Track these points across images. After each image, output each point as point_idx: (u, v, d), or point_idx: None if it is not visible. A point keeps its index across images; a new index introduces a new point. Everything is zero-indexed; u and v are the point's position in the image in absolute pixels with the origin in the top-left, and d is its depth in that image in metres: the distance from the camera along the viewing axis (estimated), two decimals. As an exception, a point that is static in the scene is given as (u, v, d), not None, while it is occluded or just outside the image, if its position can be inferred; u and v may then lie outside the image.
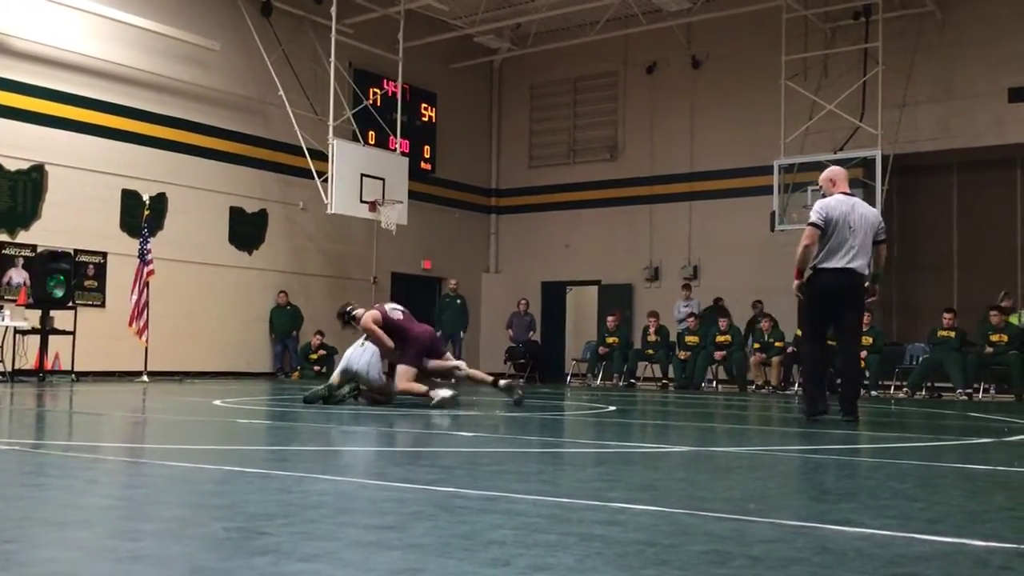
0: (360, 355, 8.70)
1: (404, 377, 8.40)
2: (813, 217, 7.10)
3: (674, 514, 2.82)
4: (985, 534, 2.60)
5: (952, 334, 14.07)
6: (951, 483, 3.86)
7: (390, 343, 8.51)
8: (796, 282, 7.28)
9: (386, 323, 8.60)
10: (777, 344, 15.45)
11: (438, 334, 9.61)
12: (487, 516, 2.73)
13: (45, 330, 12.76)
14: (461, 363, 8.93)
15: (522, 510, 2.85)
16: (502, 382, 8.72)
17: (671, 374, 16.40)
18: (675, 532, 2.55)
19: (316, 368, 16.66)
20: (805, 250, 7.09)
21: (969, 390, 13.68)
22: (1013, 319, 14.42)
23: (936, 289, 16.58)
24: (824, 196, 7.34)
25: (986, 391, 14.14)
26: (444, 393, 8.14)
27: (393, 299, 19.36)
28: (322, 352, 16.80)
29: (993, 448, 5.63)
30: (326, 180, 15.71)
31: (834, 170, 7.58)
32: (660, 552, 2.26)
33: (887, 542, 2.47)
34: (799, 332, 15.24)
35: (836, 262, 7.05)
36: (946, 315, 14.25)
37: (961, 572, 2.12)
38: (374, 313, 8.66)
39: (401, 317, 8.72)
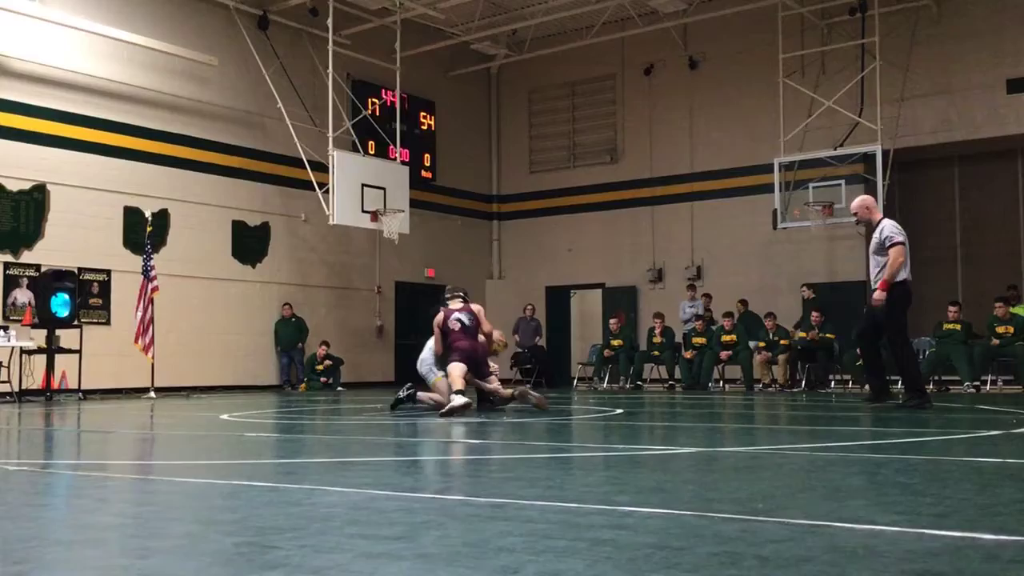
0: (423, 352, 9.39)
1: (454, 372, 8.69)
2: (900, 237, 8.35)
3: (683, 516, 2.82)
4: (995, 528, 2.59)
5: (958, 327, 14.05)
6: (960, 477, 3.86)
7: (439, 347, 9.17)
8: (883, 293, 8.29)
9: (442, 328, 9.16)
10: (782, 342, 15.42)
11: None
12: (496, 523, 2.74)
13: (51, 349, 12.79)
14: (498, 386, 9.28)
15: (531, 516, 2.85)
16: (516, 393, 8.90)
17: (677, 375, 16.38)
18: (684, 534, 2.55)
19: (323, 379, 16.66)
20: (901, 265, 8.30)
21: (977, 383, 13.66)
22: (1018, 310, 14.39)
23: (940, 282, 16.54)
24: (859, 222, 9.25)
25: (994, 383, 14.11)
26: (457, 401, 8.16)
27: (397, 308, 19.44)
28: (328, 363, 16.81)
29: (1002, 441, 5.62)
30: (327, 191, 15.73)
31: (868, 199, 9.02)
32: (670, 555, 2.26)
33: (896, 538, 2.47)
34: (803, 334, 15.27)
35: (909, 274, 8.45)
36: (951, 308, 14.23)
37: (971, 566, 2.12)
38: (439, 316, 9.26)
39: (456, 328, 9.12)
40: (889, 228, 8.44)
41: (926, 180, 17.30)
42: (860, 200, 8.97)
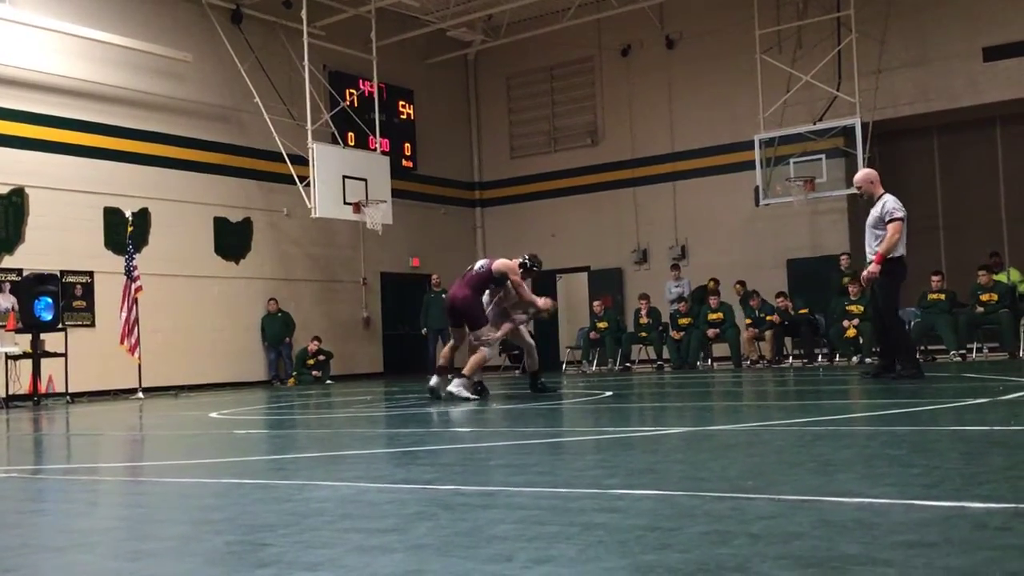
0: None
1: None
2: (899, 213, 8.30)
3: (674, 497, 2.83)
4: (983, 496, 2.61)
5: (942, 296, 14.12)
6: (947, 446, 3.88)
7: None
8: (877, 267, 8.27)
9: None
10: (768, 318, 15.48)
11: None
12: (487, 512, 2.74)
13: (36, 354, 12.69)
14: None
15: (522, 503, 2.85)
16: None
17: (665, 355, 16.42)
18: (675, 515, 2.55)
19: (314, 373, 16.61)
20: (897, 241, 8.25)
21: (962, 351, 13.73)
22: (1001, 277, 14.47)
23: (923, 252, 16.59)
24: (863, 196, 8.85)
25: (979, 351, 14.20)
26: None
27: (383, 299, 19.39)
28: (320, 357, 16.76)
29: (989, 408, 5.65)
30: (308, 184, 15.67)
31: (871, 172, 8.87)
32: (661, 536, 2.26)
33: (886, 510, 2.48)
34: (804, 310, 15.35)
35: (905, 250, 8.42)
36: (934, 278, 14.29)
37: (960, 535, 2.14)
38: None
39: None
40: (891, 203, 8.42)
41: (906, 151, 17.36)
42: (864, 173, 8.91)
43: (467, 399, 8.36)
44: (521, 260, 9.11)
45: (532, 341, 9.52)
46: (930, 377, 8.83)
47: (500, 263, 8.94)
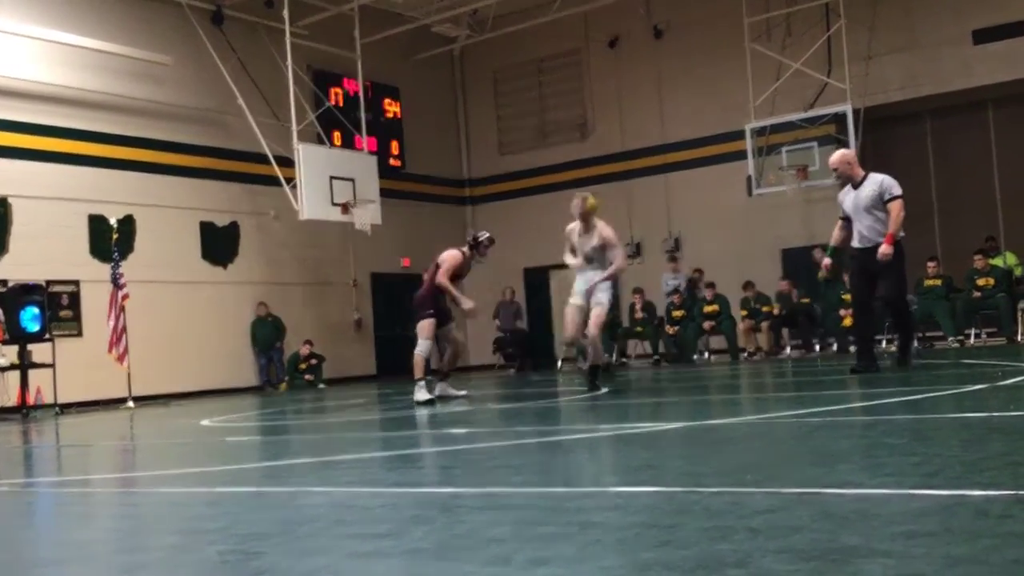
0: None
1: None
2: (899, 190, 7.98)
3: (673, 493, 2.80)
4: (983, 483, 2.59)
5: (938, 282, 14.10)
6: (947, 434, 3.86)
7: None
8: (890, 247, 7.88)
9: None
10: (764, 309, 15.46)
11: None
12: (485, 513, 2.70)
13: (24, 365, 12.56)
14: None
15: (520, 504, 2.82)
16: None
17: (661, 349, 16.39)
18: (674, 511, 2.52)
19: (307, 377, 16.54)
20: (903, 219, 7.95)
21: (960, 337, 13.70)
22: (997, 261, 14.45)
23: (918, 239, 16.52)
24: (840, 178, 8.30)
25: (977, 336, 14.18)
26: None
27: (374, 300, 19.31)
28: (313, 361, 16.69)
29: (988, 394, 5.63)
30: (295, 186, 15.58)
31: (848, 153, 8.47)
32: (660, 533, 2.23)
33: (885, 501, 2.45)
34: (806, 299, 15.34)
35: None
36: (930, 264, 14.29)
37: (961, 524, 2.11)
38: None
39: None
40: (888, 180, 8.03)
41: (898, 137, 17.33)
42: (840, 154, 8.35)
43: (420, 402, 8.34)
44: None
45: (597, 343, 9.01)
46: (928, 364, 8.82)
47: (440, 273, 9.24)
